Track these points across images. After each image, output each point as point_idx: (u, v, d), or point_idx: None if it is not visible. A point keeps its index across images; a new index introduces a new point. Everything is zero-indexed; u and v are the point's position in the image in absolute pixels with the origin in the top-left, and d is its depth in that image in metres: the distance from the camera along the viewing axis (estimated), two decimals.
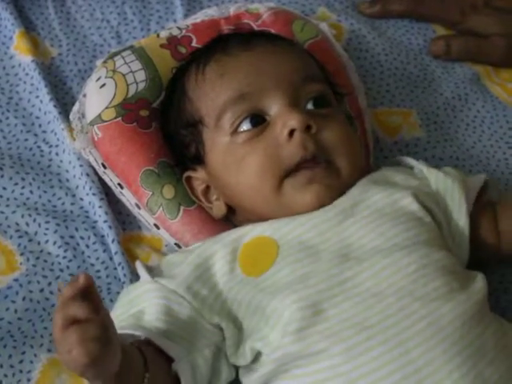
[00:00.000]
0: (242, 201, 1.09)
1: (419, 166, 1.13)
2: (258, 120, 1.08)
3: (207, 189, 1.14)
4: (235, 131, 1.08)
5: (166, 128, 1.18)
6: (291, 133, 1.05)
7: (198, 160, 1.13)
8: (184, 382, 0.96)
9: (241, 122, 1.08)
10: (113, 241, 1.17)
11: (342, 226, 1.03)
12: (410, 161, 1.16)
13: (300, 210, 1.05)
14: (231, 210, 1.13)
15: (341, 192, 1.07)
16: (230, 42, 1.14)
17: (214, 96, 1.10)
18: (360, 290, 0.97)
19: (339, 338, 0.95)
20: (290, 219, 1.05)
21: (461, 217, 1.08)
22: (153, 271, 1.07)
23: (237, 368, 1.03)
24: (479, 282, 1.01)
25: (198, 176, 1.14)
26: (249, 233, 1.06)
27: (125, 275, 1.15)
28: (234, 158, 1.08)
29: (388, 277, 0.98)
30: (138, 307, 1.01)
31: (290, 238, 1.03)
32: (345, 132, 1.10)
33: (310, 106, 1.09)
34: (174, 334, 0.99)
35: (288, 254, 1.02)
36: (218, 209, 1.13)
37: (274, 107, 1.08)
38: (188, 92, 1.13)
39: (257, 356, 1.00)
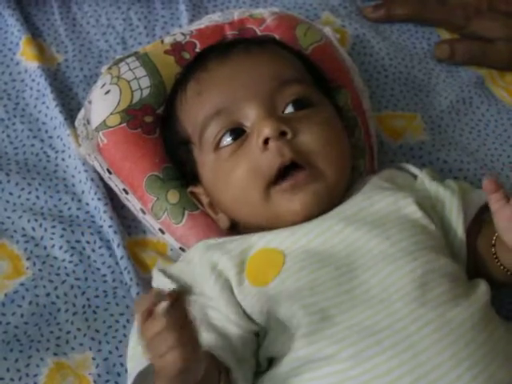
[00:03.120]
0: (236, 214, 1.10)
1: (421, 176, 1.13)
2: (238, 132, 1.08)
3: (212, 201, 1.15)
4: (217, 147, 1.09)
5: (165, 146, 1.19)
6: (266, 141, 1.05)
7: (195, 177, 1.14)
8: None
9: (221, 138, 1.08)
10: (118, 245, 1.18)
11: (347, 231, 1.03)
12: (414, 170, 1.15)
13: (291, 219, 1.06)
14: (235, 221, 1.13)
15: (331, 196, 1.07)
16: (208, 56, 1.15)
17: (194, 114, 1.11)
18: (368, 296, 0.98)
19: (348, 342, 0.95)
20: (294, 229, 1.05)
21: (458, 230, 1.07)
22: (172, 277, 1.06)
23: None
24: (482, 286, 1.02)
25: (200, 192, 1.15)
26: (255, 245, 1.06)
27: (131, 279, 1.16)
28: (221, 174, 1.08)
29: (395, 282, 0.98)
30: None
31: (296, 248, 1.03)
32: (326, 133, 1.09)
33: (289, 109, 1.09)
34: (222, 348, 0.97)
35: (294, 262, 1.02)
36: (222, 222, 1.14)
37: (250, 118, 1.08)
38: (176, 112, 1.15)
39: (270, 362, 1.00)
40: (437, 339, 0.94)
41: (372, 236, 1.02)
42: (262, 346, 1.00)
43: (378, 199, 1.07)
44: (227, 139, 1.08)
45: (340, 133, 1.13)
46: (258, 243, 1.06)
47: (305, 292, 0.99)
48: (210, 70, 1.12)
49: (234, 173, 1.07)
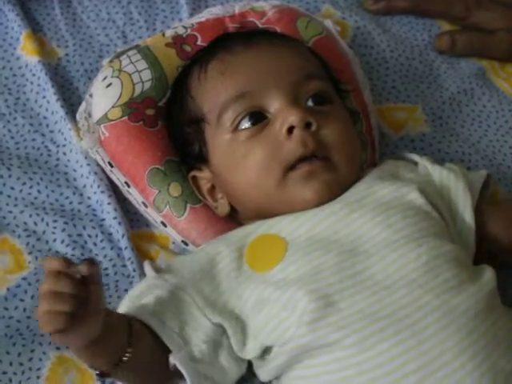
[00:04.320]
0: (243, 198, 1.10)
1: (423, 163, 1.14)
2: (259, 118, 1.08)
3: (213, 188, 1.15)
4: (236, 129, 1.09)
5: (171, 127, 1.18)
6: (290, 130, 1.06)
7: (202, 159, 1.13)
8: (186, 373, 0.98)
9: (241, 120, 1.08)
10: (123, 236, 1.18)
11: (351, 218, 1.04)
12: (414, 157, 1.16)
13: (300, 207, 1.06)
14: (234, 209, 1.14)
15: (340, 188, 1.07)
16: (232, 40, 1.15)
17: (215, 94, 1.11)
18: (371, 283, 0.98)
19: (351, 329, 0.95)
20: (296, 215, 1.05)
21: (466, 212, 1.09)
22: (160, 270, 1.08)
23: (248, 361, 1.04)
24: (488, 273, 1.02)
25: (203, 175, 1.14)
26: (254, 231, 1.06)
27: (134, 270, 1.16)
28: (236, 156, 1.08)
29: (399, 269, 0.98)
30: (141, 301, 1.02)
31: (298, 235, 1.04)
32: (343, 129, 1.10)
33: (309, 103, 1.10)
34: (171, 324, 1.00)
35: (297, 249, 1.02)
36: (222, 207, 1.14)
37: (274, 105, 1.08)
38: (191, 90, 1.14)
39: (266, 349, 1.00)
40: (441, 327, 0.95)
41: (375, 223, 1.02)
42: (254, 336, 1.00)
43: (380, 187, 1.07)
44: (246, 123, 1.08)
45: (353, 131, 1.14)
46: (258, 229, 1.06)
47: (309, 278, 0.99)
48: (236, 53, 1.12)
49: (251, 155, 1.07)
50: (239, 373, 1.04)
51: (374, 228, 1.02)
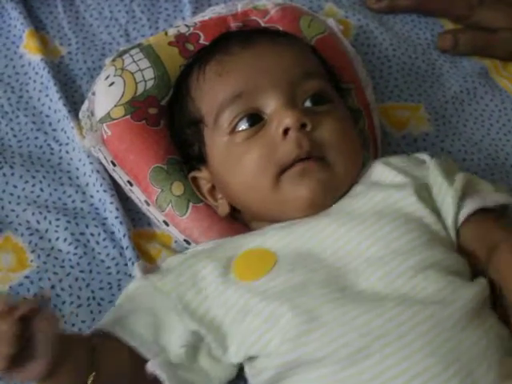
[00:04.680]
0: (241, 199, 1.10)
1: (429, 163, 1.11)
2: (255, 119, 1.08)
3: (213, 188, 1.15)
4: (233, 131, 1.09)
5: (172, 127, 1.18)
6: (286, 131, 1.06)
7: (201, 159, 1.13)
8: (166, 378, 0.98)
9: (238, 122, 1.08)
10: (124, 235, 1.18)
11: (341, 231, 1.03)
12: (424, 156, 1.13)
13: (296, 205, 1.06)
14: (235, 208, 1.14)
15: (336, 187, 1.07)
16: (230, 40, 1.15)
17: (212, 95, 1.11)
18: (359, 298, 0.97)
19: (339, 344, 0.94)
20: (288, 231, 1.05)
21: (448, 219, 1.05)
22: (151, 272, 1.09)
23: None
24: (480, 283, 1.00)
25: (203, 176, 1.14)
26: (247, 244, 1.06)
27: None
28: (233, 158, 1.08)
29: (387, 285, 0.97)
30: (119, 311, 1.05)
31: (289, 251, 1.03)
32: (341, 129, 1.09)
33: (308, 103, 1.09)
34: (145, 333, 1.02)
35: (285, 263, 1.02)
36: (222, 208, 1.14)
37: (271, 106, 1.08)
38: (190, 91, 1.14)
39: (252, 357, 1.00)
40: (428, 340, 0.93)
41: (364, 237, 1.01)
42: (237, 343, 1.00)
43: (373, 194, 1.06)
44: (244, 124, 1.08)
45: (353, 130, 1.14)
46: (250, 243, 1.06)
47: (293, 293, 0.98)
48: (233, 54, 1.12)
49: (246, 156, 1.07)
50: (227, 375, 1.03)
51: (363, 242, 1.01)
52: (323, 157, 1.07)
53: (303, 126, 1.06)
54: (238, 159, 1.08)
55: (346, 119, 1.13)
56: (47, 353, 0.91)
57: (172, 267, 1.07)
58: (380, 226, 1.02)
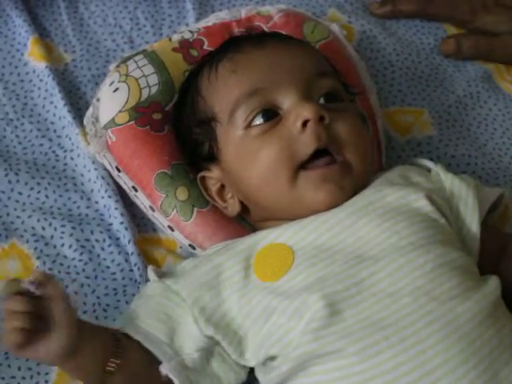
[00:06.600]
0: (255, 195, 1.10)
1: (436, 169, 1.13)
2: (271, 114, 1.08)
3: (222, 188, 1.14)
4: (248, 126, 1.09)
5: (180, 128, 1.18)
6: (305, 124, 1.06)
7: (212, 158, 1.13)
8: (178, 382, 0.99)
9: (254, 117, 1.08)
10: (129, 241, 1.18)
11: (357, 225, 1.03)
12: (428, 163, 1.16)
13: (312, 207, 1.06)
14: (245, 208, 1.14)
15: (354, 189, 1.07)
16: (242, 41, 1.15)
17: (227, 92, 1.11)
18: (376, 290, 0.98)
19: (355, 337, 0.95)
20: (303, 224, 1.05)
21: (473, 223, 1.08)
22: (164, 276, 1.08)
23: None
24: (493, 281, 1.01)
25: (213, 175, 1.14)
26: (262, 240, 1.06)
27: (141, 275, 1.16)
28: (248, 152, 1.08)
29: (404, 276, 0.98)
30: (136, 313, 1.05)
31: (305, 244, 1.03)
32: (356, 126, 1.10)
33: (321, 101, 1.10)
34: (161, 336, 1.02)
35: (303, 259, 1.02)
36: (233, 207, 1.14)
37: (287, 101, 1.08)
38: (201, 91, 1.14)
39: (271, 357, 1.00)
40: (445, 335, 0.94)
41: (382, 229, 1.02)
42: (256, 346, 1.00)
43: (388, 193, 1.06)
44: (259, 119, 1.09)
45: (366, 133, 1.15)
46: (265, 238, 1.06)
47: (316, 287, 0.99)
48: (246, 52, 1.12)
49: (263, 151, 1.07)
50: (238, 380, 1.04)
51: (381, 234, 1.02)
52: (341, 154, 1.07)
53: (321, 118, 1.06)
54: (254, 153, 1.07)
55: (358, 119, 1.14)
56: (69, 332, 0.94)
57: (187, 271, 1.07)
58: (397, 221, 1.03)
